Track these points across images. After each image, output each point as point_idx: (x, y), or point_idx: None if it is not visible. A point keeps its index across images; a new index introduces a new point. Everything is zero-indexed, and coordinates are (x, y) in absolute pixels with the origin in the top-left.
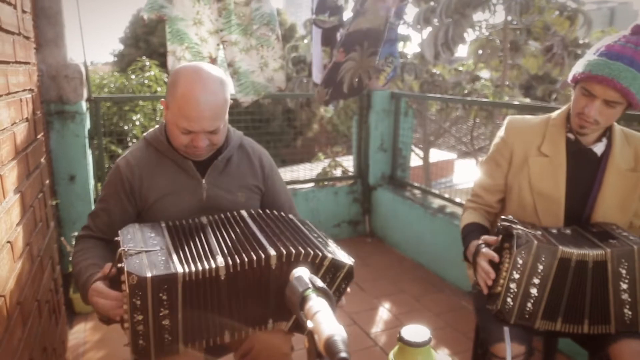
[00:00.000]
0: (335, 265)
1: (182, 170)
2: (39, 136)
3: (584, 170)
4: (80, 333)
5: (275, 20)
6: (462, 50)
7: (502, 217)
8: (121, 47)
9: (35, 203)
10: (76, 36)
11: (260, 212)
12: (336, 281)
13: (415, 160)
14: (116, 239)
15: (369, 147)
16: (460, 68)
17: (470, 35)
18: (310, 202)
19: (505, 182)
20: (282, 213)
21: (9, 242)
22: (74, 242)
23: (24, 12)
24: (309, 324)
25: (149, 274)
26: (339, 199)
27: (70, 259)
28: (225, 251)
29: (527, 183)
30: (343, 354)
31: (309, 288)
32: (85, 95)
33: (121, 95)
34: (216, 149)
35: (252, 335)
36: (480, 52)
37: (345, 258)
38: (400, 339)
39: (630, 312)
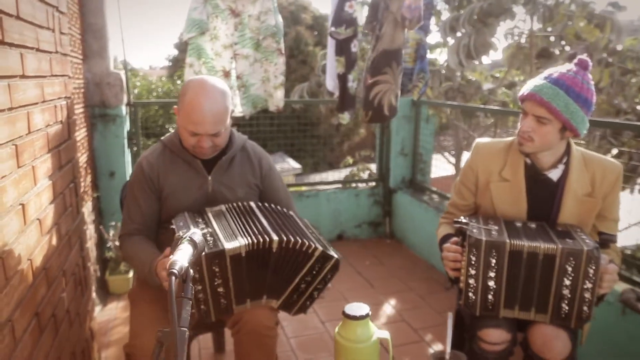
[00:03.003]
0: (324, 256)
1: (192, 168)
2: (72, 136)
3: (543, 195)
4: (112, 310)
5: (280, 33)
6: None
7: (455, 219)
8: (175, 52)
9: (66, 191)
10: (134, 43)
11: (266, 205)
12: (323, 271)
13: (447, 169)
14: (171, 227)
15: (390, 151)
16: (497, 75)
17: (501, 42)
18: (331, 203)
19: (475, 200)
20: (285, 210)
21: (38, 219)
22: (111, 232)
23: (62, 33)
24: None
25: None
26: (360, 200)
27: (117, 252)
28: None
29: (491, 206)
30: (172, 270)
31: (185, 238)
32: (125, 100)
33: (157, 100)
34: (219, 150)
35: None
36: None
37: (333, 252)
38: (344, 314)
39: (567, 307)
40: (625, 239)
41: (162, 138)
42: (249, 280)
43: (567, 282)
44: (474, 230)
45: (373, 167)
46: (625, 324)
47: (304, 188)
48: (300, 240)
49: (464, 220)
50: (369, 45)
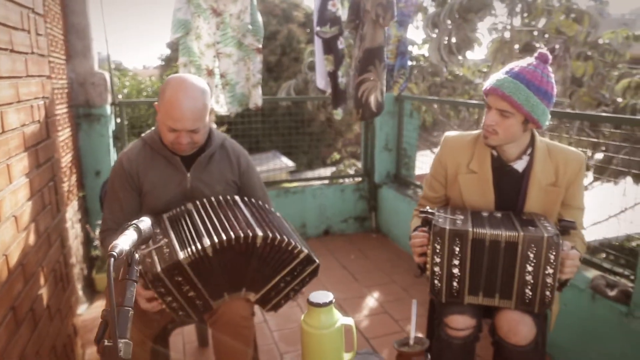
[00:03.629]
0: (308, 259)
1: (171, 164)
2: (52, 135)
3: (509, 185)
4: (99, 308)
5: (261, 31)
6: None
7: (421, 209)
8: (168, 51)
9: (45, 189)
10: (130, 44)
11: (253, 201)
12: (303, 274)
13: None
14: None
15: (375, 147)
16: (485, 70)
17: (486, 37)
18: (317, 198)
19: (445, 193)
20: (273, 210)
21: (14, 216)
22: (97, 230)
23: (38, 34)
24: None
25: (157, 269)
26: (346, 196)
27: (97, 246)
28: (212, 231)
29: (460, 198)
30: (111, 252)
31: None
32: (109, 99)
33: (142, 100)
34: (198, 146)
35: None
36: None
37: (315, 257)
38: (308, 302)
39: (530, 293)
40: (606, 231)
41: (143, 135)
42: (227, 273)
43: (530, 269)
44: (439, 220)
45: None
46: (595, 309)
47: (289, 185)
48: (287, 240)
49: (429, 210)
50: (352, 42)
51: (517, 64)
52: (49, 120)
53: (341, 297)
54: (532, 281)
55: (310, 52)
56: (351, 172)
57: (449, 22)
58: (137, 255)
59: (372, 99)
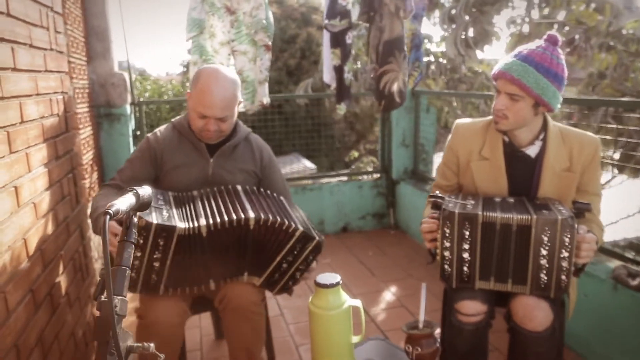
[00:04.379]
0: (306, 237)
1: (196, 149)
2: (71, 129)
3: (522, 171)
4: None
5: (271, 28)
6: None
7: (430, 194)
8: (189, 57)
9: (64, 180)
10: (156, 53)
11: (255, 189)
12: (304, 252)
13: None
14: None
15: (392, 143)
16: None
17: (504, 31)
18: (335, 195)
19: (458, 181)
20: (275, 194)
21: (33, 202)
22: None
23: (57, 32)
24: None
25: (155, 221)
26: (364, 192)
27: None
28: (209, 214)
29: (473, 185)
30: (107, 210)
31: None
32: (129, 99)
33: (159, 100)
34: (224, 135)
35: (228, 283)
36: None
37: (315, 234)
38: (316, 283)
39: (546, 277)
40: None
41: (173, 120)
42: (223, 258)
43: (544, 252)
44: (449, 204)
45: None
46: (618, 299)
47: (307, 182)
48: (279, 219)
49: (439, 195)
50: (367, 34)
51: (526, 47)
52: (68, 115)
53: (358, 292)
54: (547, 265)
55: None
56: (369, 168)
57: (466, 17)
58: (135, 219)
59: (395, 89)
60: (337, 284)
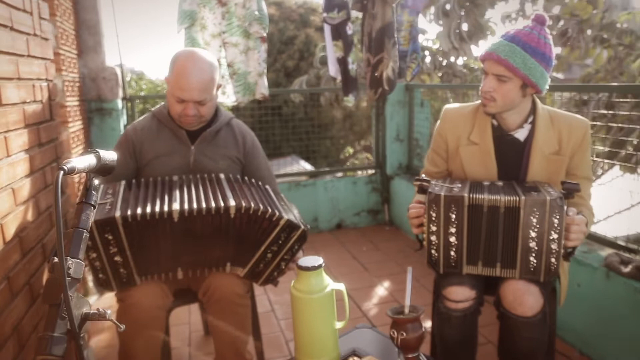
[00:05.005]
0: (290, 225)
1: (176, 137)
2: (56, 118)
3: (511, 155)
4: (108, 300)
5: (266, 19)
6: None
7: (416, 177)
8: None
9: (47, 169)
10: (158, 55)
11: (238, 177)
12: (289, 241)
13: None
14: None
15: (386, 138)
16: None
17: (499, 26)
18: (329, 192)
19: (447, 167)
20: (260, 183)
21: (12, 188)
22: None
23: (42, 18)
24: None
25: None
26: (358, 188)
27: None
28: (185, 199)
29: (462, 170)
30: (61, 165)
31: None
32: (120, 94)
33: (151, 95)
34: (204, 121)
35: (212, 275)
36: None
37: (300, 223)
38: (297, 266)
39: (535, 261)
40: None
41: (152, 109)
42: (199, 247)
43: (533, 235)
44: (435, 188)
45: None
46: (610, 288)
47: (301, 178)
48: (262, 207)
49: (425, 178)
50: (361, 22)
51: (513, 28)
52: (53, 103)
53: (351, 287)
54: (536, 248)
55: (322, 47)
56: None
57: (459, 10)
58: (96, 181)
59: (384, 77)
60: (320, 266)
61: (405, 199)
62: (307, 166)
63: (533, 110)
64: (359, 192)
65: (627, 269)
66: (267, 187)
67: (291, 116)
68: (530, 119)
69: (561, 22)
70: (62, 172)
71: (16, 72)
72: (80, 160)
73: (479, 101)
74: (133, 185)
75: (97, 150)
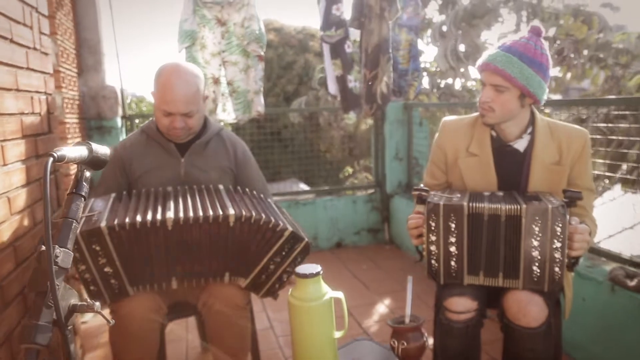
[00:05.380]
0: (295, 237)
1: (166, 150)
2: (54, 131)
3: (511, 166)
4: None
5: (263, 39)
6: None
7: (414, 187)
8: None
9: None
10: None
11: (239, 189)
12: (293, 253)
13: None
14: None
15: (385, 156)
16: None
17: (496, 46)
18: (329, 210)
19: (447, 180)
20: (261, 195)
21: (7, 196)
22: None
23: (42, 33)
24: None
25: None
26: (358, 207)
27: None
28: (181, 208)
29: (461, 182)
30: (51, 152)
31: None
32: (120, 112)
33: (151, 114)
34: (193, 133)
35: (211, 285)
36: None
37: (304, 235)
38: (295, 273)
39: (538, 270)
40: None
41: (141, 125)
42: (195, 256)
43: (536, 243)
44: (435, 198)
45: None
46: (615, 302)
47: (300, 196)
48: (265, 217)
49: (424, 188)
50: (359, 40)
51: (509, 39)
52: (51, 116)
53: (351, 305)
54: (539, 257)
55: (320, 69)
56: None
57: (456, 30)
58: (87, 173)
59: (378, 92)
60: (318, 273)
61: (405, 217)
62: (305, 188)
63: (532, 121)
64: (359, 211)
65: (632, 283)
66: (270, 199)
67: (290, 140)
68: (529, 130)
69: (557, 42)
70: (51, 159)
71: (15, 83)
72: (72, 150)
73: (477, 113)
74: (124, 196)
75: (90, 142)
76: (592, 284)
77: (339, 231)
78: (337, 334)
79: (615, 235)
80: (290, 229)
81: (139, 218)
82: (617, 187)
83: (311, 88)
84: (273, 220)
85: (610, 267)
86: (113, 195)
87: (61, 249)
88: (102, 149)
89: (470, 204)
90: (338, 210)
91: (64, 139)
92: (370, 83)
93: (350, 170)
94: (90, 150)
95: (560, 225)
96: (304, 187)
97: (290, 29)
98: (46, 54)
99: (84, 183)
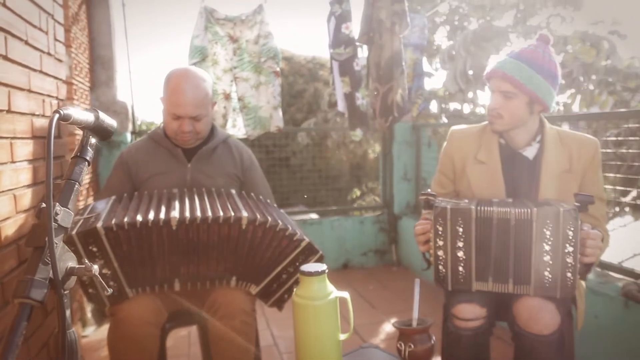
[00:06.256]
0: (311, 249)
1: (173, 155)
2: (64, 136)
3: (520, 173)
4: (106, 330)
5: (279, 55)
6: None
7: (422, 192)
8: None
9: None
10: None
11: (252, 195)
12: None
13: None
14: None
15: (393, 177)
16: None
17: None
18: (336, 230)
19: (454, 188)
20: (275, 205)
21: (13, 193)
22: None
23: (57, 40)
24: None
25: (74, 232)
26: (365, 228)
27: None
28: (187, 208)
29: (469, 190)
30: (57, 109)
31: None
32: (130, 127)
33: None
34: (201, 137)
35: (217, 289)
36: None
37: (317, 247)
38: (300, 272)
39: (550, 275)
40: None
41: (149, 131)
42: (202, 258)
43: (547, 248)
44: (442, 202)
45: None
46: (630, 317)
47: (307, 216)
48: (280, 223)
49: (431, 192)
50: (368, 55)
51: (518, 47)
52: (62, 122)
53: (358, 324)
54: (551, 262)
55: (328, 91)
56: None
57: (464, 53)
58: (92, 139)
59: (394, 104)
60: (323, 272)
61: (413, 239)
62: (314, 216)
63: (541, 128)
64: (366, 232)
65: None
66: (282, 211)
67: (299, 167)
68: (538, 138)
69: (565, 69)
70: (57, 116)
71: (27, 84)
72: (78, 112)
73: (485, 122)
74: (124, 198)
75: (97, 110)
76: (605, 299)
77: (346, 252)
78: (342, 337)
79: (628, 260)
80: (307, 239)
81: (139, 218)
82: (627, 214)
83: (320, 110)
84: (290, 228)
85: (623, 283)
86: (114, 197)
87: (62, 207)
88: (109, 120)
89: (479, 208)
90: (345, 230)
91: (73, 151)
92: (381, 97)
93: (358, 192)
94: (97, 117)
95: (572, 229)
96: (313, 216)
97: (300, 58)
98: (60, 60)
99: (89, 148)
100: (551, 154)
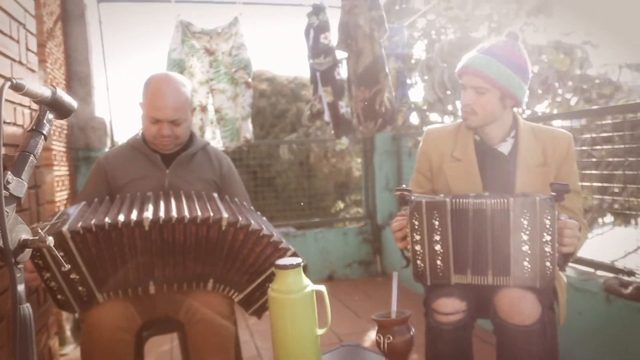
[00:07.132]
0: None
1: (151, 161)
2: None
3: (496, 169)
4: None
5: (250, 66)
6: None
7: (397, 188)
8: None
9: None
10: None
11: (236, 199)
12: None
13: None
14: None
15: (375, 187)
16: None
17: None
18: (319, 242)
19: (432, 187)
20: (258, 212)
21: None
22: None
23: (29, 50)
24: None
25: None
26: (349, 239)
27: None
28: (161, 209)
29: (447, 187)
30: (10, 79)
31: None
32: (108, 143)
33: None
34: (180, 143)
35: (194, 293)
36: None
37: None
38: (275, 266)
39: (529, 265)
40: None
41: (128, 138)
42: (177, 259)
43: (525, 238)
44: (417, 197)
45: None
46: (611, 312)
47: (290, 229)
48: (267, 231)
49: (406, 187)
50: (347, 62)
51: (487, 43)
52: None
53: (342, 332)
54: (529, 252)
55: (309, 106)
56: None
57: (442, 63)
58: (50, 115)
59: (383, 107)
60: (298, 265)
61: (397, 249)
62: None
63: (515, 124)
64: (350, 243)
65: (627, 291)
66: (264, 218)
67: (284, 187)
68: (512, 133)
69: (541, 75)
70: (8, 84)
71: None
72: (33, 85)
73: (460, 120)
74: (95, 202)
75: (56, 87)
76: (587, 296)
77: (330, 264)
78: (320, 331)
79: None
80: (292, 249)
81: (108, 220)
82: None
83: (301, 125)
84: (275, 235)
85: (605, 278)
86: (84, 202)
87: (14, 177)
88: (69, 98)
89: (454, 200)
90: (329, 242)
91: (50, 166)
92: (366, 103)
93: (341, 205)
94: (54, 93)
95: (549, 217)
96: (294, 232)
97: (282, 79)
98: (33, 70)
99: (46, 123)
100: (526, 148)
